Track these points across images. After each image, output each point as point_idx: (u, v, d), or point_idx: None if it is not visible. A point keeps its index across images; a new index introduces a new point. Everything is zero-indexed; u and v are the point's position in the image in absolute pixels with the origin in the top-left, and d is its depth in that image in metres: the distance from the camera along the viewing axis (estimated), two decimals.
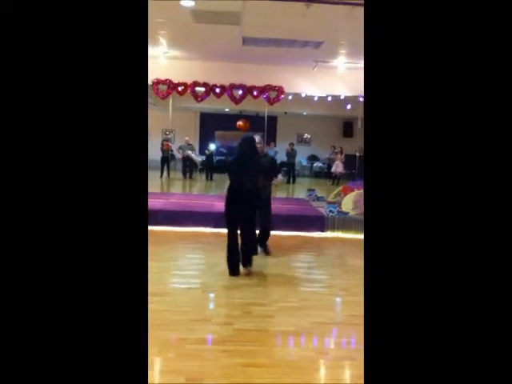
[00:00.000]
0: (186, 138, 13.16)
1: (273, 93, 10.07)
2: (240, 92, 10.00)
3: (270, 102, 10.12)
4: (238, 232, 4.21)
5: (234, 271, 4.15)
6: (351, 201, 6.88)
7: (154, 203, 6.68)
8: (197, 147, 14.50)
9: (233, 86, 9.97)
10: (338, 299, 3.86)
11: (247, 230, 4.23)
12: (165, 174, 12.63)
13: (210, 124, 15.69)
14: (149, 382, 1.70)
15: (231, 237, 4.20)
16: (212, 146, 13.55)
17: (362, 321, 3.15)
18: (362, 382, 2.37)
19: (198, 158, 13.09)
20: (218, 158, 13.69)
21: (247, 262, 4.22)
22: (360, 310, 3.36)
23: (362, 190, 7.03)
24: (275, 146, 13.63)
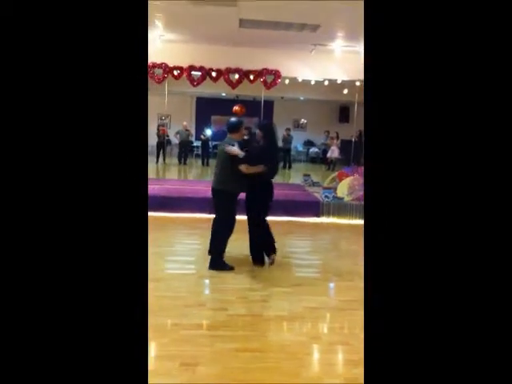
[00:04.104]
0: (184, 123, 13.03)
1: (269, 77, 9.97)
2: (236, 76, 9.90)
3: (267, 86, 10.03)
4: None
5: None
6: (346, 186, 6.88)
7: (149, 189, 6.67)
8: (193, 132, 14.39)
9: (229, 70, 9.86)
10: (332, 284, 3.89)
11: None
12: (160, 159, 12.57)
13: (205, 109, 15.54)
14: None
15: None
16: (208, 132, 13.43)
17: (355, 306, 3.23)
18: (355, 366, 2.42)
19: (176, 140, 13.02)
20: (214, 143, 13.61)
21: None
22: (353, 295, 3.43)
23: (357, 176, 7.03)
24: None
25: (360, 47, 8.75)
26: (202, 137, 13.11)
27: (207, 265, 4.06)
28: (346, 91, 11.09)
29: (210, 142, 13.27)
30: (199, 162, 13.34)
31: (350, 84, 10.42)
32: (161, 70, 9.78)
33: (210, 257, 4.08)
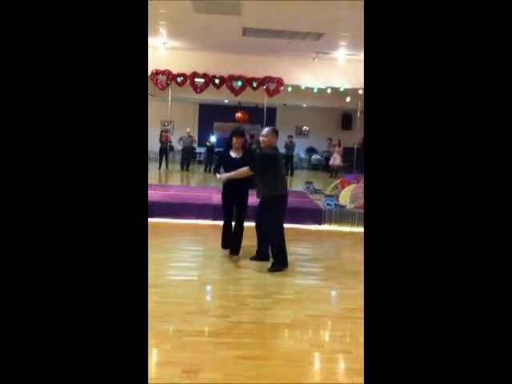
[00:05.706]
0: (188, 130, 13.10)
1: (272, 84, 10.03)
2: (239, 83, 9.96)
3: (270, 93, 10.09)
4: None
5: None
6: (349, 194, 6.89)
7: (152, 195, 6.69)
8: (195, 138, 14.46)
9: (232, 78, 9.92)
10: (334, 292, 3.89)
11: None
12: (163, 165, 12.61)
13: (208, 115, 15.61)
14: None
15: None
16: (213, 138, 13.48)
17: (357, 314, 3.22)
18: (357, 375, 2.41)
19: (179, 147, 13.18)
20: (217, 149, 13.63)
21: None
22: (356, 303, 3.42)
23: (359, 183, 7.04)
24: None
25: (363, 55, 8.79)
26: (208, 143, 13.15)
27: (209, 271, 4.08)
28: (348, 99, 11.15)
29: (214, 149, 13.32)
30: (201, 168, 13.37)
31: (352, 92, 10.47)
32: (164, 77, 9.85)
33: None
